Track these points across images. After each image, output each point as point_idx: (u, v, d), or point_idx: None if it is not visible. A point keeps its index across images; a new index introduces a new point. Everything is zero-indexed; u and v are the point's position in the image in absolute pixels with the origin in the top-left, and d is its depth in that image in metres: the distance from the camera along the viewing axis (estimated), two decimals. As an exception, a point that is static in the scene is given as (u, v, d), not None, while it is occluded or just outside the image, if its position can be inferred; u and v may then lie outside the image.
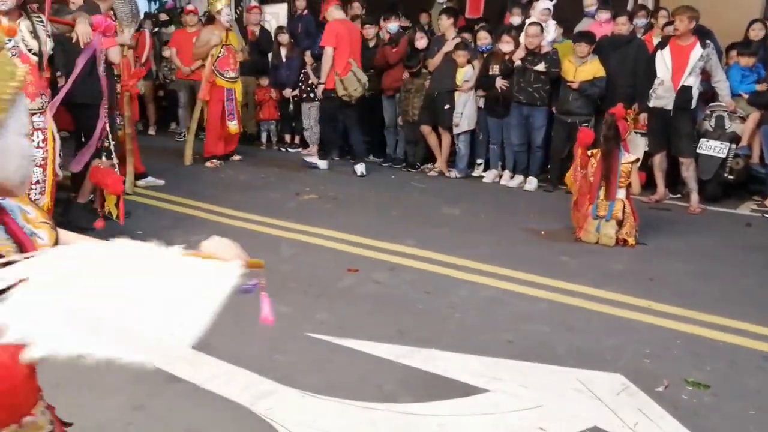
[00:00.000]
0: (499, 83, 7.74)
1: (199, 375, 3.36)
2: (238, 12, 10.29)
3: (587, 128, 6.58)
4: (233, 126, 8.30)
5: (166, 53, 10.21)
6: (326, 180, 7.89)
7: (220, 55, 8.10)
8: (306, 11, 9.74)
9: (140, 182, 7.16)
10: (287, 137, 9.92)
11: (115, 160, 5.37)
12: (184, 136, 9.30)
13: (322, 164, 8.53)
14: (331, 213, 6.56)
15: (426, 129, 8.36)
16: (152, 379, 3.29)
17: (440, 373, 3.45)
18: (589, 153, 5.81)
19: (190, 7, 9.82)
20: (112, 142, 5.24)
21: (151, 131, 10.65)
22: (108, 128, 5.37)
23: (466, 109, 8.06)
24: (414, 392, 3.26)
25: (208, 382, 3.30)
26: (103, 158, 5.30)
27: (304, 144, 9.64)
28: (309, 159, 8.71)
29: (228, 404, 3.13)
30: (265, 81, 9.58)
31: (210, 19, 8.38)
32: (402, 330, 3.96)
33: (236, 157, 8.65)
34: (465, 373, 3.45)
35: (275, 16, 11.36)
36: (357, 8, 9.57)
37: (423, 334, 3.92)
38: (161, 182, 7.32)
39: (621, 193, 5.77)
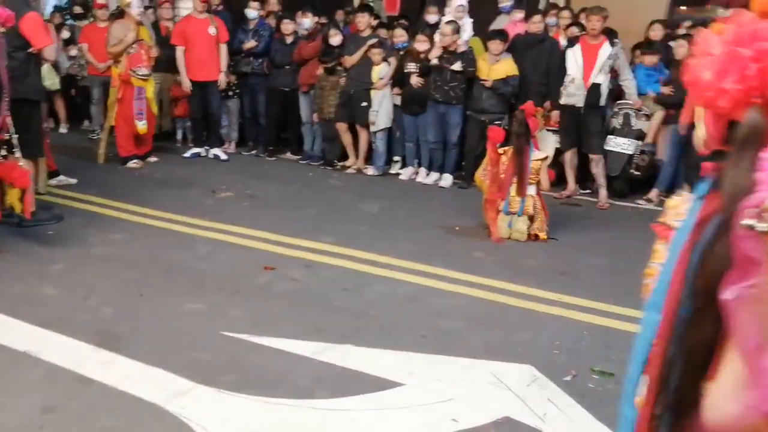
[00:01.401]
0: (415, 81, 7.82)
1: (112, 375, 3.29)
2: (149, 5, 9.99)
3: (497, 126, 6.72)
4: (141, 126, 8.04)
5: (72, 52, 9.88)
6: (244, 178, 7.80)
7: (132, 51, 7.87)
8: (221, 6, 9.58)
9: (52, 181, 6.91)
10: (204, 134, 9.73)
11: (19, 154, 5.14)
12: (98, 134, 9.03)
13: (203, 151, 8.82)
14: (248, 211, 6.49)
15: (342, 126, 8.37)
16: (64, 381, 3.22)
17: (356, 369, 3.48)
18: (500, 151, 5.94)
19: (101, 0, 9.50)
20: (15, 136, 5.03)
21: (63, 129, 10.26)
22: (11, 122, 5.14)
23: (382, 107, 8.11)
24: (329, 388, 3.28)
25: (122, 383, 3.24)
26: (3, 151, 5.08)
27: (220, 140, 9.47)
28: (214, 151, 8.86)
29: (143, 404, 3.08)
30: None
31: (120, 12, 8.14)
32: (319, 327, 3.97)
33: (152, 159, 8.40)
34: (380, 368, 3.49)
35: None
36: (274, 4, 9.51)
37: (340, 330, 3.94)
38: (74, 181, 7.08)
39: (531, 190, 5.93)
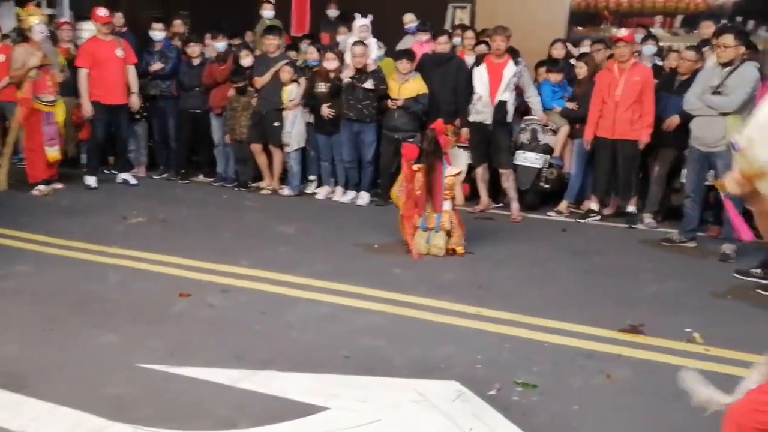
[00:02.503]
0: (325, 112, 7.83)
1: (18, 419, 3.11)
2: (51, 29, 9.63)
3: (411, 143, 6.80)
4: (52, 152, 7.73)
5: None
6: (155, 202, 7.59)
7: (33, 76, 7.55)
8: (125, 28, 9.35)
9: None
10: (110, 159, 9.43)
11: None
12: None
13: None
14: (161, 236, 6.32)
15: (257, 148, 8.28)
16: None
17: (278, 395, 3.41)
18: (415, 168, 6.01)
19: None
20: None
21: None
22: None
23: (294, 127, 8.07)
24: (252, 416, 3.20)
25: (30, 426, 3.06)
26: None
27: (129, 165, 9.18)
28: (123, 176, 8.58)
29: (52, 447, 2.93)
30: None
31: (25, 37, 7.81)
32: (238, 353, 3.88)
33: (58, 185, 8.07)
34: (303, 392, 3.43)
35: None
36: (179, 25, 9.35)
37: (260, 355, 3.86)
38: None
39: (447, 205, 6.01)
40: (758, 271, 5.57)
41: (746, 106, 6.03)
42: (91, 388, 3.41)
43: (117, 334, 4.08)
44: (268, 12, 9.79)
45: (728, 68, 6.08)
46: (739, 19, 9.86)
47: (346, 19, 9.71)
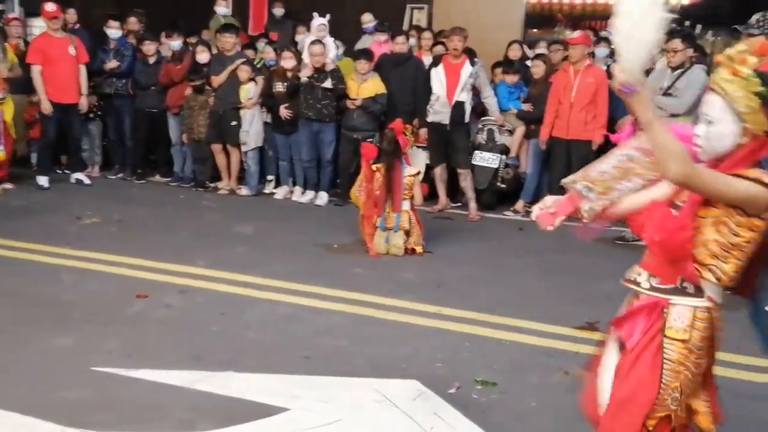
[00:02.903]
0: (284, 113, 7.80)
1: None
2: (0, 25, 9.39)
3: (370, 143, 6.81)
4: None
5: None
6: (110, 202, 7.45)
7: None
8: (78, 24, 9.17)
9: None
10: (63, 158, 9.24)
11: None
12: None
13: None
14: (116, 236, 6.21)
15: (216, 147, 8.20)
16: None
17: (238, 396, 3.38)
18: (374, 167, 6.02)
19: None
20: None
21: None
22: None
23: (252, 127, 8.01)
24: (211, 418, 3.17)
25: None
26: None
27: (83, 164, 8.99)
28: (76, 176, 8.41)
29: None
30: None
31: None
32: (197, 354, 3.84)
33: (8, 186, 7.87)
34: (263, 393, 3.41)
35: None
36: (134, 23, 9.20)
37: (219, 357, 3.83)
38: None
39: (406, 205, 6.04)
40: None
41: (695, 108, 6.19)
42: (44, 393, 3.34)
43: (71, 336, 4.00)
44: (222, 9, 9.68)
45: (678, 71, 6.23)
46: (687, 23, 10.11)
47: (291, 18, 9.85)
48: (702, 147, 2.06)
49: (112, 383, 3.49)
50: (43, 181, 8.06)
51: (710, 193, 1.97)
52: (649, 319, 2.17)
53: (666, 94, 6.24)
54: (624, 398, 2.16)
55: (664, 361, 2.13)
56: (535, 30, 11.65)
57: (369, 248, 5.97)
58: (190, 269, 5.32)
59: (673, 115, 6.17)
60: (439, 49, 8.15)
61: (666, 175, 1.97)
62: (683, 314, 2.12)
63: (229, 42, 8.17)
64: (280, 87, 7.86)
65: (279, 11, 10.22)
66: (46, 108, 7.90)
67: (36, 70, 7.89)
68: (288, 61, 7.84)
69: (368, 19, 9.13)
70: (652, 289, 2.20)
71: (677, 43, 6.18)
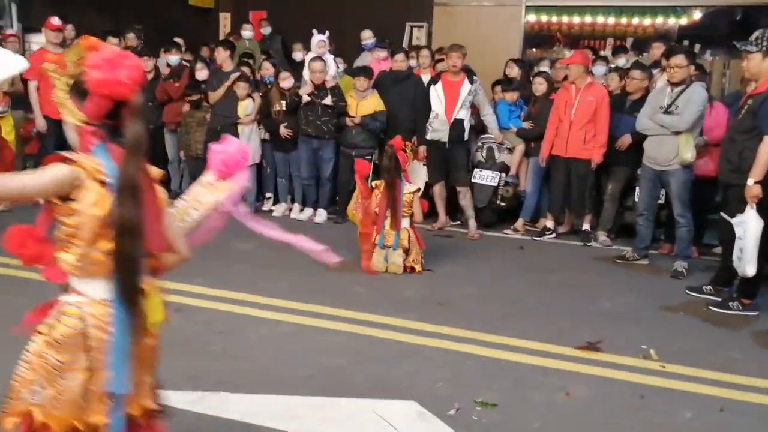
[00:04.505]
0: (283, 132, 7.78)
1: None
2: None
3: (363, 160, 6.76)
4: None
5: None
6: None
7: (-20, 90, 7.33)
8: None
9: None
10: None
11: None
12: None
13: None
14: (113, 254, 6.14)
15: (214, 164, 8.16)
16: None
17: (236, 418, 3.32)
18: (373, 185, 5.99)
19: None
20: None
21: None
22: None
23: (250, 143, 7.99)
24: (210, 440, 3.11)
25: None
26: None
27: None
28: None
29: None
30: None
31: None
32: (193, 374, 3.78)
33: (1, 207, 7.81)
34: (263, 415, 3.35)
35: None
36: (132, 39, 9.21)
37: (217, 376, 3.77)
38: None
39: (405, 222, 6.00)
40: (709, 288, 5.67)
41: (697, 125, 6.18)
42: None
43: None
44: (247, 33, 10.06)
45: (679, 88, 6.22)
46: (685, 42, 10.15)
47: (280, 34, 10.27)
48: None
49: (108, 403, 3.42)
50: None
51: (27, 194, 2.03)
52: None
53: (667, 112, 6.22)
54: None
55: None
56: (534, 49, 11.70)
57: (364, 265, 5.92)
58: (187, 287, 5.25)
59: (675, 133, 6.15)
60: (442, 66, 8.15)
61: None
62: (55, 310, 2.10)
63: (223, 57, 8.17)
64: (278, 107, 7.84)
65: (266, 29, 10.41)
66: (41, 125, 7.89)
67: (32, 86, 7.87)
68: (286, 81, 7.82)
69: (367, 36, 9.16)
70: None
71: (680, 59, 6.17)
